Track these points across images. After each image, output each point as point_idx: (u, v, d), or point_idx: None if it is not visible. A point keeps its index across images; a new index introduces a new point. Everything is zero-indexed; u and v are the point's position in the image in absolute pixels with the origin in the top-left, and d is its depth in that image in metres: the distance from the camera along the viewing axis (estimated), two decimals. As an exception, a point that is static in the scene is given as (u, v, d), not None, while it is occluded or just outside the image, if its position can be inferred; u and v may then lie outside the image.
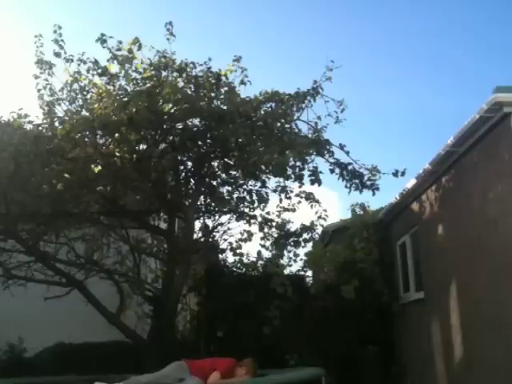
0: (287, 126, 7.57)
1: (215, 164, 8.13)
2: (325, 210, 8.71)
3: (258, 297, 9.17)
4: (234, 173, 8.13)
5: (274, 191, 8.45)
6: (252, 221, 8.85)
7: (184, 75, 7.08)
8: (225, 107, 7.14)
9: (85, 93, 7.27)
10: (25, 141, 6.24)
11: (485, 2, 18.30)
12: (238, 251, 9.07)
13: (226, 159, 7.91)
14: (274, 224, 8.97)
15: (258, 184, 8.38)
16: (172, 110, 6.90)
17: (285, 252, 9.12)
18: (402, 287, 9.58)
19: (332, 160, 7.59)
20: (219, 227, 9.02)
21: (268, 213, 8.92)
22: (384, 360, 9.24)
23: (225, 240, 9.39)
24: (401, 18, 18.83)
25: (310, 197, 8.43)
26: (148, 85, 6.90)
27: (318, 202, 8.51)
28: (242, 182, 8.34)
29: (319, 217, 8.77)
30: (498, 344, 5.76)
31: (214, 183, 8.38)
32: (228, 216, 9.03)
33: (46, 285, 7.79)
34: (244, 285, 9.34)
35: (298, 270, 10.05)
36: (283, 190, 8.37)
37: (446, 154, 6.86)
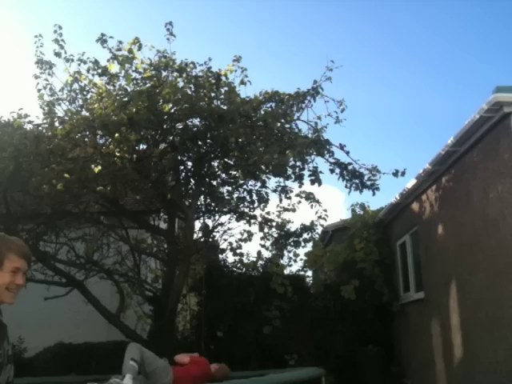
0: (287, 126, 7.57)
1: (215, 164, 8.14)
2: (325, 210, 8.73)
3: (258, 297, 9.18)
4: (234, 173, 8.13)
5: (274, 191, 8.46)
6: (252, 221, 8.86)
7: (184, 75, 7.08)
8: (225, 107, 7.14)
9: (85, 93, 7.27)
10: (25, 141, 6.23)
11: (485, 2, 18.31)
12: (238, 251, 9.09)
13: (226, 159, 7.91)
14: (273, 224, 8.97)
15: (258, 184, 8.38)
16: (172, 110, 6.90)
17: (285, 252, 9.13)
18: (402, 287, 9.58)
19: (332, 160, 7.58)
20: (219, 227, 9.03)
21: (268, 213, 8.93)
22: (384, 360, 9.23)
23: (225, 240, 9.42)
24: (401, 18, 18.84)
25: (310, 197, 8.43)
26: (148, 85, 6.90)
27: (318, 201, 8.52)
28: (242, 182, 8.34)
29: (319, 217, 8.78)
30: (498, 344, 5.76)
31: (214, 183, 8.38)
32: (228, 216, 9.04)
33: (45, 285, 7.79)
34: (244, 285, 9.34)
35: (298, 270, 10.07)
36: (283, 190, 8.37)
37: (446, 154, 6.86)
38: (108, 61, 7.12)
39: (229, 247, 9.19)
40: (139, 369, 4.54)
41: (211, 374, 5.20)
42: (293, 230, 9.09)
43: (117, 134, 6.69)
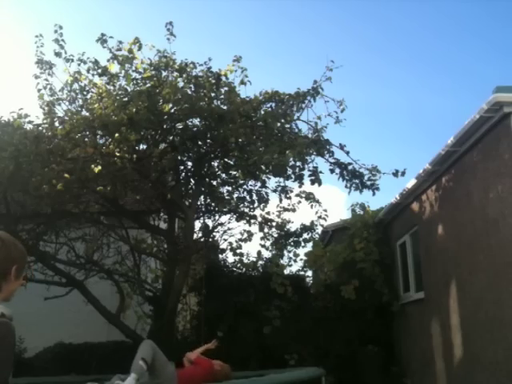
0: (287, 126, 7.57)
1: (215, 164, 8.14)
2: (325, 210, 8.71)
3: (258, 297, 9.18)
4: (234, 173, 8.13)
5: (274, 191, 8.46)
6: (252, 221, 8.85)
7: (184, 75, 7.08)
8: (225, 107, 7.14)
9: (85, 93, 7.27)
10: (25, 141, 6.23)
11: (483, 2, 18.32)
12: (238, 251, 9.08)
13: (226, 159, 7.91)
14: (274, 224, 8.96)
15: (258, 184, 8.38)
16: (172, 110, 6.90)
17: (285, 252, 9.12)
18: (402, 287, 9.58)
19: (332, 160, 7.58)
20: (219, 227, 9.03)
21: (268, 213, 8.92)
22: (384, 360, 9.23)
23: (225, 240, 9.41)
24: (399, 18, 18.85)
25: (310, 197, 8.43)
26: (148, 85, 6.90)
27: (318, 202, 8.51)
28: (242, 182, 8.34)
29: (319, 217, 8.77)
30: (498, 344, 5.76)
31: (214, 183, 8.38)
32: (228, 216, 9.04)
33: (46, 285, 7.79)
34: (244, 285, 9.34)
35: (298, 270, 10.07)
36: (283, 190, 8.37)
37: (446, 154, 6.86)
38: (108, 61, 7.13)
39: (229, 247, 9.19)
40: (148, 368, 4.55)
41: (215, 374, 5.19)
42: (293, 230, 9.07)
43: (117, 134, 6.69)
